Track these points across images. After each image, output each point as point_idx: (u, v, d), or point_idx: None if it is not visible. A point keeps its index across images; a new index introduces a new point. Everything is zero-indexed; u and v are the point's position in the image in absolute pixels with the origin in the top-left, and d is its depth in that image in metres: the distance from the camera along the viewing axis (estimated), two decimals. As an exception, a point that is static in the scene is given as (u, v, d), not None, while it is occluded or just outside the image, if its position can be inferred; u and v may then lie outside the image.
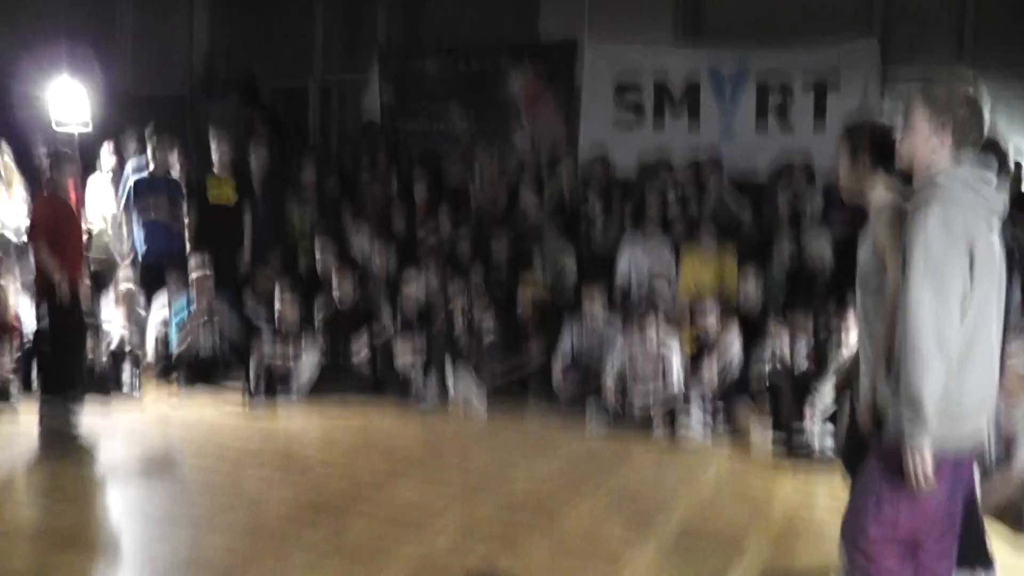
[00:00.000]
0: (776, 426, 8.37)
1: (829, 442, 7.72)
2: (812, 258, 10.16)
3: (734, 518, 6.51)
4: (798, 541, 6.11)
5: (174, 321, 10.49)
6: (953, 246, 3.58)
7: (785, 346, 8.73)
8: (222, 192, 11.22)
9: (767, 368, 8.64)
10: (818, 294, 9.51)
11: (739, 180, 11.82)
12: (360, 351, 10.16)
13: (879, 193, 4.46)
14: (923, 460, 3.59)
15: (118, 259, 11.38)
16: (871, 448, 3.95)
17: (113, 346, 10.20)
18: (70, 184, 9.90)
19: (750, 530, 6.25)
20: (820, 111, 12.41)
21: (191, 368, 10.29)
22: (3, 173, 10.69)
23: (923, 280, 3.58)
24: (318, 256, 11.30)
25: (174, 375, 10.32)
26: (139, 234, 11.20)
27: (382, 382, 10.00)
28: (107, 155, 11.66)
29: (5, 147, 10.76)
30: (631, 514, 6.48)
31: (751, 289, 9.68)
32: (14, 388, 9.33)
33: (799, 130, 12.42)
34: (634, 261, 10.83)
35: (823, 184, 11.03)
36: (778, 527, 6.35)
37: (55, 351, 8.89)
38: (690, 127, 12.96)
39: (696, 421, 8.62)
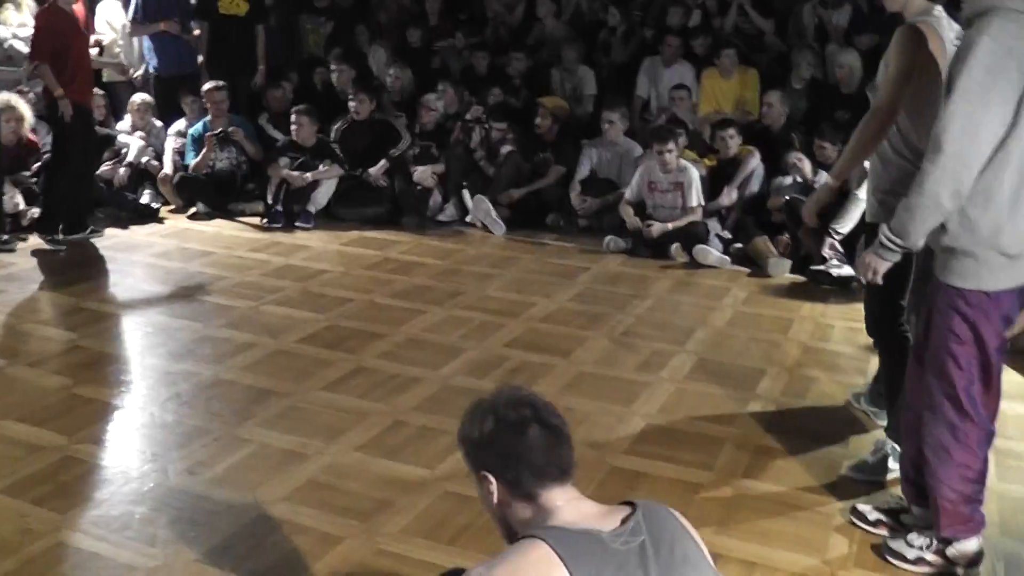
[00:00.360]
0: (795, 253, 8.32)
1: (848, 270, 7.70)
2: (839, 74, 9.80)
3: (750, 348, 6.57)
4: (814, 370, 6.16)
5: (191, 136, 10.46)
6: (1004, 66, 3.46)
7: (807, 170, 8.61)
8: (233, 5, 10.99)
9: (788, 193, 8.52)
10: (844, 113, 9.15)
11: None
12: (377, 167, 10.15)
13: (914, 5, 4.41)
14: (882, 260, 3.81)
15: (130, 72, 11.32)
16: None
17: (130, 158, 10.25)
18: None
19: (766, 360, 6.34)
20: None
21: (208, 184, 10.29)
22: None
23: (965, 93, 3.48)
24: (334, 73, 11.21)
25: (192, 193, 10.31)
26: (150, 47, 11.10)
27: (399, 199, 10.00)
28: None
29: None
30: (646, 346, 6.57)
31: (775, 111, 9.43)
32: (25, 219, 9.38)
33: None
34: (653, 78, 10.74)
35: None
36: (794, 357, 6.41)
37: (56, 186, 8.97)
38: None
39: (714, 246, 8.59)
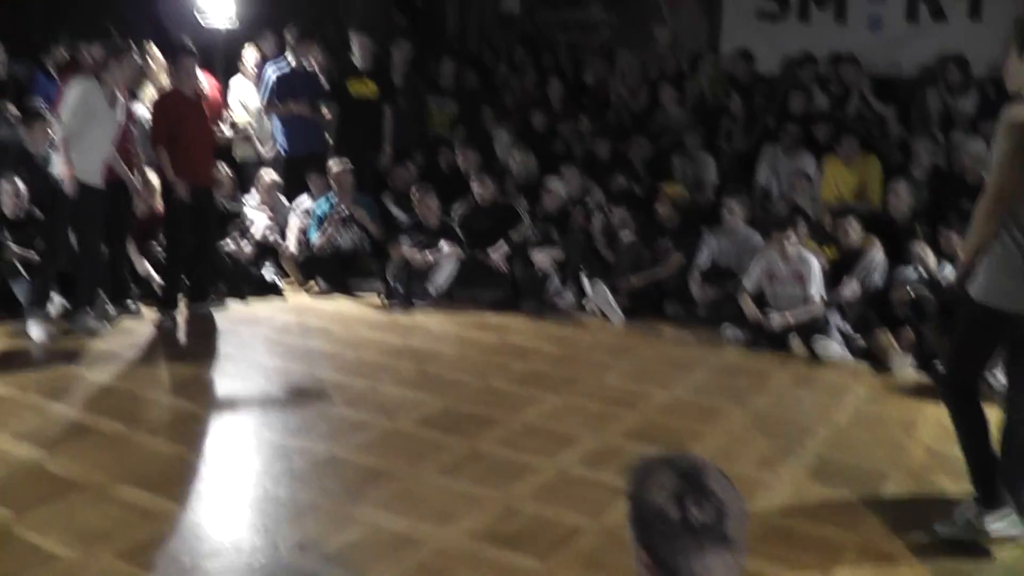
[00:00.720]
0: (919, 350, 8.12)
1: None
2: (965, 162, 9.58)
3: (873, 449, 6.39)
4: (940, 475, 5.94)
5: (315, 214, 10.60)
6: None
7: (931, 262, 8.45)
8: (364, 88, 11.22)
9: (912, 288, 8.36)
10: (969, 204, 9.00)
11: (884, 76, 11.50)
12: (498, 251, 10.18)
13: None
14: None
15: (261, 154, 11.57)
16: None
17: (255, 234, 10.42)
18: (206, 79, 10.10)
19: (890, 462, 6.15)
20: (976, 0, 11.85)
21: (331, 262, 10.42)
22: (153, 68, 10.85)
23: None
24: (458, 155, 11.32)
25: (314, 270, 10.46)
26: (281, 130, 11.36)
27: (519, 283, 10.01)
28: (250, 55, 11.74)
29: (152, 47, 10.92)
30: (766, 441, 6.44)
31: (901, 201, 9.26)
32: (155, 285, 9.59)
33: (954, 21, 11.86)
34: (774, 166, 10.67)
35: (979, 82, 10.67)
36: (919, 460, 6.21)
37: (171, 262, 9.15)
38: (836, 18, 12.55)
39: (835, 339, 8.44)
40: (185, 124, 8.92)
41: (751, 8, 12.92)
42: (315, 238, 10.49)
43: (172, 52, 9.42)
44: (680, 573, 2.27)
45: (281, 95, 11.18)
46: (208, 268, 9.44)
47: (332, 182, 10.56)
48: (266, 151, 11.60)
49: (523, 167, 11.16)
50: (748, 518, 2.29)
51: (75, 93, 8.31)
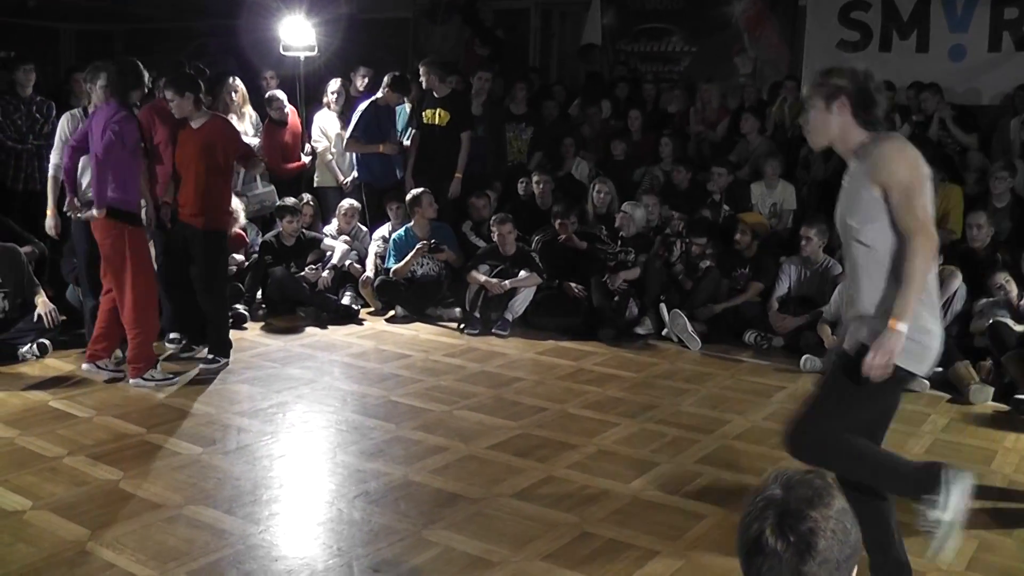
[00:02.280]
0: (998, 380, 8.00)
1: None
2: None
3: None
4: (1021, 506, 5.89)
5: (393, 239, 10.69)
6: None
7: (1014, 293, 8.33)
8: (435, 117, 11.30)
9: (992, 316, 8.25)
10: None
11: (965, 104, 11.39)
12: (576, 280, 10.20)
13: None
14: None
15: (340, 179, 11.71)
16: None
17: (334, 261, 10.55)
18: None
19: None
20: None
21: (409, 289, 10.50)
22: (236, 102, 11.07)
23: None
24: (536, 185, 11.35)
25: (392, 297, 10.54)
26: (360, 159, 11.55)
27: (596, 310, 10.00)
28: (333, 89, 11.89)
29: (238, 82, 11.15)
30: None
31: (983, 232, 9.15)
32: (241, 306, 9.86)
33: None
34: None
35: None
36: (998, 491, 6.11)
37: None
38: (918, 46, 12.47)
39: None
40: (168, 150, 8.43)
41: (833, 37, 12.87)
42: (392, 264, 10.56)
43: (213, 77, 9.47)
44: None
45: (369, 132, 11.30)
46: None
47: (411, 210, 10.63)
48: (346, 179, 11.73)
49: (603, 196, 11.16)
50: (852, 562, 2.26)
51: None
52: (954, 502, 4.21)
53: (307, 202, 11.03)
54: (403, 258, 10.44)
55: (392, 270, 10.53)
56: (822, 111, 4.31)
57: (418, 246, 10.41)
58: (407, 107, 11.80)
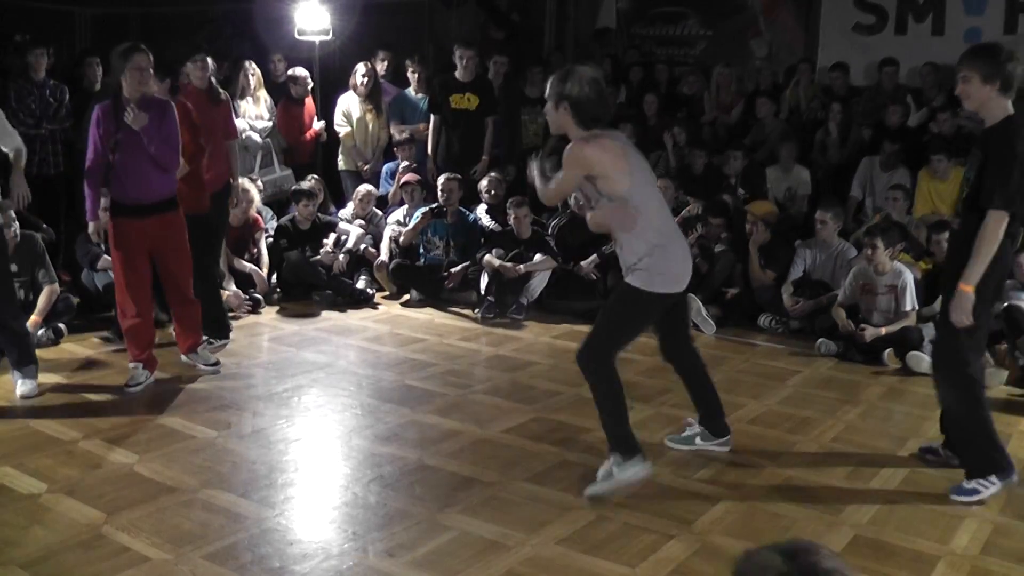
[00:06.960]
0: (1013, 363, 7.97)
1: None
2: None
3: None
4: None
5: (410, 224, 10.72)
6: None
7: (1029, 277, 8.31)
8: (464, 102, 11.36)
9: (1006, 300, 8.19)
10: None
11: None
12: (588, 261, 10.22)
13: None
14: None
15: (360, 163, 11.72)
16: None
17: (349, 245, 10.59)
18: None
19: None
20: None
21: (424, 273, 10.57)
22: (252, 86, 11.09)
23: None
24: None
25: (407, 280, 10.61)
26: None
27: (611, 293, 9.96)
28: (363, 72, 11.76)
29: (253, 66, 11.18)
30: (856, 455, 6.39)
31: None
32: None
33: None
34: (869, 179, 10.58)
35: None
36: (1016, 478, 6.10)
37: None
38: (933, 29, 12.42)
39: (928, 353, 8.26)
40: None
41: (849, 20, 12.83)
42: (405, 232, 10.65)
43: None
44: None
45: (394, 116, 11.65)
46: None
47: (439, 192, 10.65)
48: (365, 164, 11.75)
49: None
50: None
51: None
52: (627, 475, 5.45)
53: (315, 182, 11.03)
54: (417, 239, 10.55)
55: (401, 239, 10.65)
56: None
57: (422, 210, 10.56)
58: (411, 92, 11.90)
